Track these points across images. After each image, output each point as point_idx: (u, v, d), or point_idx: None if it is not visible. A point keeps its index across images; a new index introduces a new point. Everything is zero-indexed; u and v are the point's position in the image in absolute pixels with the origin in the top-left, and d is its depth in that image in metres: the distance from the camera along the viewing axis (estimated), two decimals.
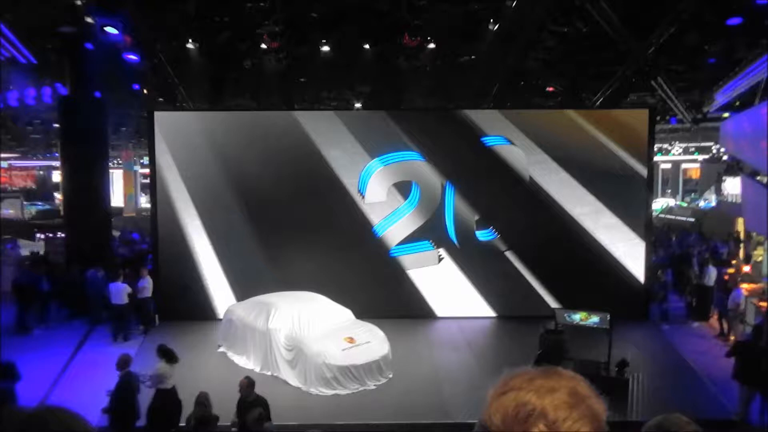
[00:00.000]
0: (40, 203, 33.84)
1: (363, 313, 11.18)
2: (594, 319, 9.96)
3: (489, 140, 13.53)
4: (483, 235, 13.56)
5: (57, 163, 29.57)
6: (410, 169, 13.48)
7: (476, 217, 13.57)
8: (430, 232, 13.52)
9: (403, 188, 13.52)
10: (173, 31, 14.93)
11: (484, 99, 18.78)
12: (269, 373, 10.03)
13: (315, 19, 14.39)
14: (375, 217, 13.49)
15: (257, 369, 10.21)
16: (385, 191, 13.44)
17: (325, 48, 15.66)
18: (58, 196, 32.48)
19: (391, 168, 13.47)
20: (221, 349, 11.29)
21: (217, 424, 7.01)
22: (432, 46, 15.01)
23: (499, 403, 0.96)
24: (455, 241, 13.54)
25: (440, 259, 13.56)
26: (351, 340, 9.88)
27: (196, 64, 15.89)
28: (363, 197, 13.42)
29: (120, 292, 12.18)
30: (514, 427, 0.93)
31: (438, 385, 9.88)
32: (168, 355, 7.96)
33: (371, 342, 10.03)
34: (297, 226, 13.39)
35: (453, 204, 13.50)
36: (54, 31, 13.87)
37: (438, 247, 13.55)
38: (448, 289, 13.55)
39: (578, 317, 10.08)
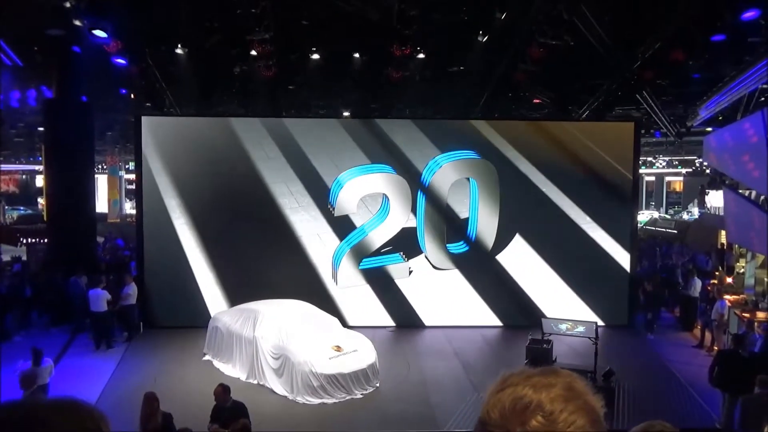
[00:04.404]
0: (22, 208, 33.34)
1: (349, 321, 11.16)
2: (580, 328, 10.03)
3: (458, 154, 13.34)
4: (455, 247, 13.55)
5: (40, 168, 29.18)
6: (382, 181, 13.25)
7: (447, 229, 13.49)
8: (402, 245, 13.37)
9: (374, 201, 13.33)
10: (162, 35, 14.87)
11: (472, 110, 18.92)
12: (255, 382, 9.95)
13: (305, 26, 14.43)
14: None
15: (243, 377, 10.12)
16: (355, 203, 13.23)
17: (315, 56, 15.70)
18: (41, 200, 32.04)
19: (362, 180, 13.22)
20: (207, 357, 11.17)
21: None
22: (421, 56, 15.11)
23: (497, 398, 0.98)
24: (426, 254, 13.45)
25: (410, 272, 13.48)
26: (338, 348, 9.84)
27: (184, 69, 15.83)
28: (333, 209, 13.27)
29: (99, 298, 11.95)
30: (511, 421, 0.94)
31: (425, 394, 9.85)
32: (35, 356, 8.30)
33: (358, 350, 9.99)
34: (283, 233, 13.34)
35: (423, 216, 13.38)
36: (41, 34, 13.74)
37: (408, 260, 13.47)
38: (433, 298, 13.55)
39: (565, 327, 10.14)
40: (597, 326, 9.75)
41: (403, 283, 13.52)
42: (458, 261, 13.57)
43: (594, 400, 0.99)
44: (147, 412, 6.70)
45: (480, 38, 14.27)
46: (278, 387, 9.63)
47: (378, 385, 9.90)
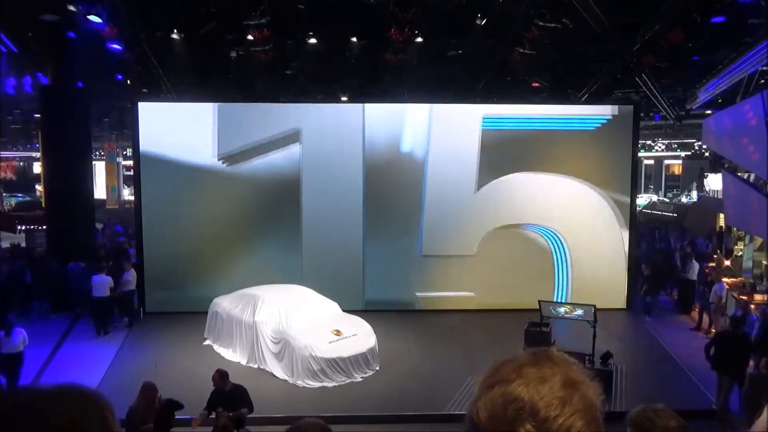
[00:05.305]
0: (20, 194, 33.35)
1: (348, 305, 11.23)
2: (578, 311, 10.08)
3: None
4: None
5: (38, 154, 29.11)
6: None
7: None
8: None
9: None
10: (157, 20, 14.73)
11: (470, 94, 18.81)
12: (256, 366, 10.02)
13: (302, 10, 14.29)
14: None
15: (243, 362, 10.19)
16: None
17: (312, 40, 15.58)
18: (39, 187, 32.01)
19: None
20: (207, 342, 11.23)
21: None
22: (419, 40, 14.99)
23: (487, 398, 0.92)
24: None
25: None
26: (338, 332, 9.90)
27: (180, 54, 15.71)
28: None
29: (102, 284, 12.01)
30: (500, 426, 0.88)
31: (425, 377, 9.92)
32: None
33: (358, 334, 10.05)
34: (283, 216, 13.34)
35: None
36: (36, 20, 13.60)
37: None
38: (433, 280, 13.60)
39: (563, 310, 10.19)
40: (595, 309, 9.79)
41: (401, 266, 13.55)
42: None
43: (591, 390, 0.94)
44: (145, 401, 6.73)
45: (478, 22, 14.16)
46: (278, 371, 9.71)
47: (378, 368, 9.97)
